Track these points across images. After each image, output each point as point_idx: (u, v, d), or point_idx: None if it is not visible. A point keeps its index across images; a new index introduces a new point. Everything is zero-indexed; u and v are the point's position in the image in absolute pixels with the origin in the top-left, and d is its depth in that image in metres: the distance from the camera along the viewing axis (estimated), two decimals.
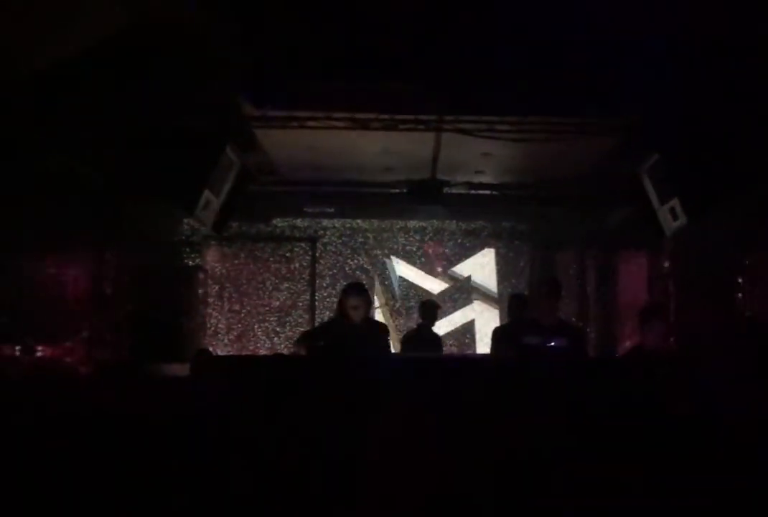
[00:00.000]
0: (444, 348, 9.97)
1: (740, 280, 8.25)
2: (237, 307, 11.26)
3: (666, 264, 9.56)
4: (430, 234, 11.56)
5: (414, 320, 11.31)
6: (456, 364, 4.66)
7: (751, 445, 3.76)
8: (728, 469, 3.59)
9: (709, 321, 8.05)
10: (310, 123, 7.12)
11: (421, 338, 8.64)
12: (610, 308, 10.96)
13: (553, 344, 6.52)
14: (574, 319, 11.22)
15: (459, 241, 11.65)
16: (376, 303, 11.20)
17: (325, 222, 11.33)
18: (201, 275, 10.72)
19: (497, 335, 7.99)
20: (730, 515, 3.56)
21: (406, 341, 8.86)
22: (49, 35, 5.08)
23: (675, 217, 7.47)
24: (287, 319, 11.33)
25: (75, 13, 5.03)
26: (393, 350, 8.97)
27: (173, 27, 5.64)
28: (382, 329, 6.63)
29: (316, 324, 10.71)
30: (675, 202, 7.37)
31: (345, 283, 9.95)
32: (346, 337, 6.13)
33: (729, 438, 3.81)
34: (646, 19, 5.62)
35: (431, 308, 8.97)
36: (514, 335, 6.40)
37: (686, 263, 8.96)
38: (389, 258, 11.56)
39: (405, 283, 11.56)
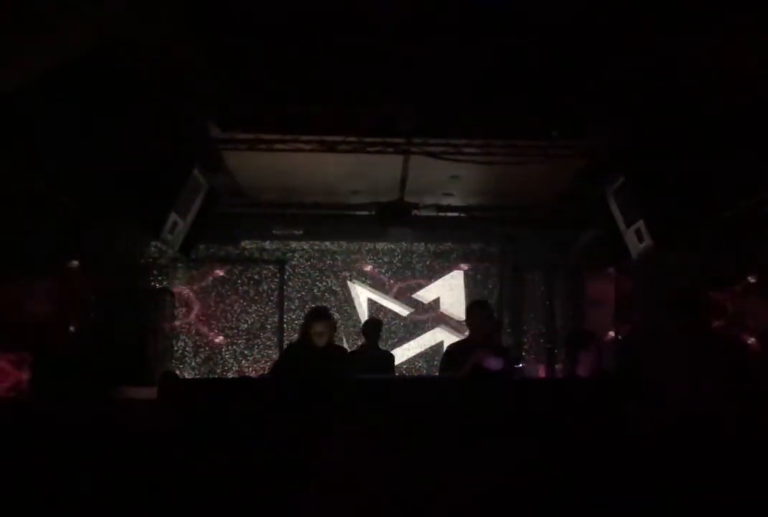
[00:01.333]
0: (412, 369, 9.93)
1: (705, 300, 8.33)
2: (204, 329, 11.17)
3: (632, 285, 9.64)
4: (399, 256, 11.56)
5: (384, 341, 11.32)
6: (407, 385, 4.66)
7: (711, 465, 3.77)
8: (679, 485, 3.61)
9: (675, 341, 8.11)
10: (278, 145, 7.12)
11: (370, 356, 8.35)
12: (579, 328, 10.99)
13: (521, 365, 6.53)
14: (542, 340, 11.27)
15: (428, 263, 11.66)
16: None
17: (294, 244, 11.29)
18: (168, 298, 10.63)
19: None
20: None
21: (352, 359, 8.46)
22: (10, 58, 5.04)
23: (641, 239, 7.55)
24: (255, 341, 11.25)
25: (37, 37, 5.00)
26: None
27: (139, 50, 5.63)
28: (340, 353, 6.61)
29: (285, 346, 10.67)
30: (640, 224, 7.45)
31: (313, 305, 9.98)
32: (309, 361, 6.12)
33: (683, 457, 3.83)
34: (610, 42, 5.69)
35: (374, 325, 8.70)
36: (462, 355, 6.34)
37: (652, 283, 9.03)
38: (358, 280, 11.53)
39: (374, 305, 11.53)
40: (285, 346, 10.63)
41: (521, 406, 3.66)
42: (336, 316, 11.24)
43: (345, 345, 10.66)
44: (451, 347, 6.63)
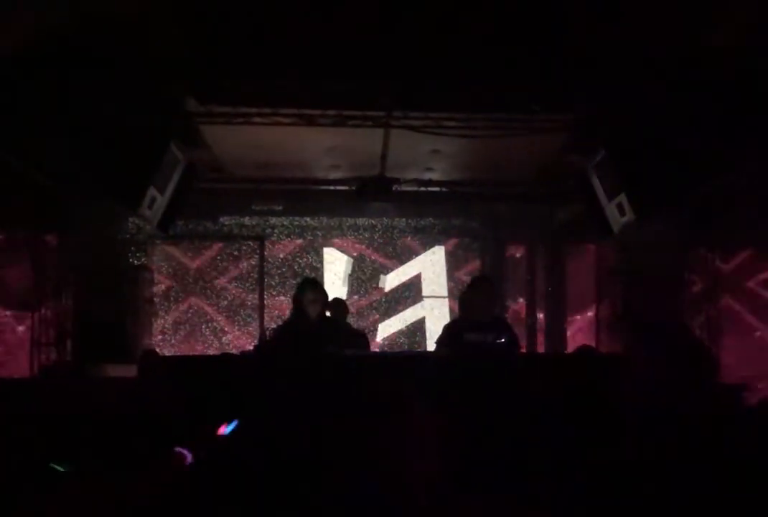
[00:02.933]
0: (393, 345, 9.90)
1: (686, 275, 8.37)
2: (184, 306, 11.10)
3: (614, 259, 9.65)
4: (380, 231, 11.50)
5: (365, 318, 11.32)
6: (402, 361, 4.64)
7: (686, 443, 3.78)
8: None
9: (655, 316, 8.14)
10: (256, 119, 7.02)
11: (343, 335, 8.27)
12: (559, 304, 11.03)
13: (502, 340, 6.54)
14: (523, 315, 11.29)
15: (409, 238, 11.62)
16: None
17: (274, 220, 11.20)
18: (147, 275, 10.55)
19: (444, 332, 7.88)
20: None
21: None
22: None
23: (622, 214, 7.53)
24: (236, 318, 11.21)
25: (11, 11, 4.91)
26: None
27: (115, 23, 5.53)
28: (338, 327, 6.58)
29: (265, 323, 10.64)
30: (622, 199, 7.42)
31: (294, 281, 9.93)
32: (303, 335, 6.11)
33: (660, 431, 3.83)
34: (594, 19, 5.64)
35: (338, 304, 8.48)
36: (455, 332, 6.38)
37: (633, 258, 9.06)
38: (338, 256, 11.48)
39: (356, 280, 11.50)
40: (266, 322, 10.61)
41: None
42: None
43: None
44: (452, 323, 6.60)
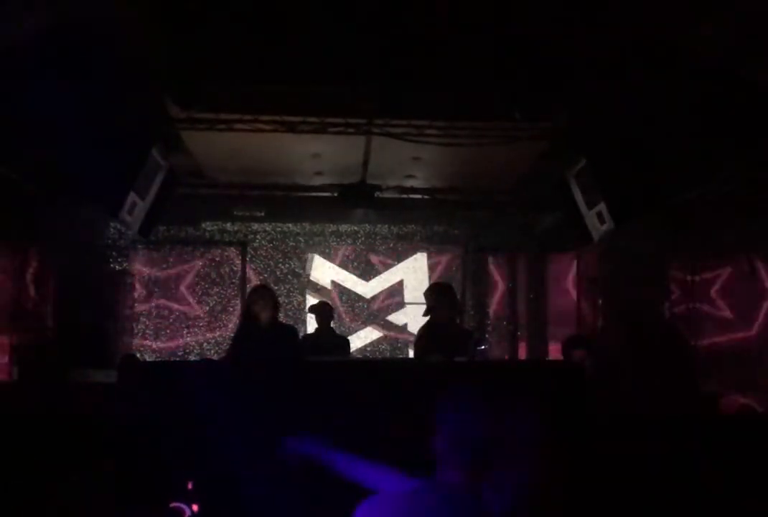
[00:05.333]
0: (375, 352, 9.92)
1: (665, 282, 8.41)
2: (165, 312, 11.07)
3: (594, 268, 9.71)
4: (362, 238, 11.52)
5: (346, 325, 11.31)
6: (361, 368, 4.64)
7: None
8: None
9: (635, 323, 8.17)
10: (237, 125, 7.05)
11: (324, 341, 8.16)
12: (540, 311, 11.08)
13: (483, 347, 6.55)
14: (505, 322, 11.33)
15: (391, 245, 11.65)
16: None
17: (256, 226, 11.21)
18: (128, 280, 10.53)
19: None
20: None
21: (304, 344, 8.05)
22: None
23: (602, 222, 7.58)
24: (217, 324, 11.18)
25: None
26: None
27: (97, 28, 5.53)
28: (289, 331, 6.57)
29: None
30: (602, 207, 7.48)
31: (276, 287, 9.93)
32: (254, 341, 6.11)
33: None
34: (573, 24, 5.68)
35: (324, 308, 8.56)
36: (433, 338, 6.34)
37: (613, 265, 9.10)
38: (320, 262, 11.49)
39: (337, 287, 11.51)
40: None
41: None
42: (298, 298, 11.25)
43: (308, 327, 10.65)
44: (422, 331, 6.56)
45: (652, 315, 8.08)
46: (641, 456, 3.67)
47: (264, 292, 6.38)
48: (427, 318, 6.09)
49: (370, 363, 7.59)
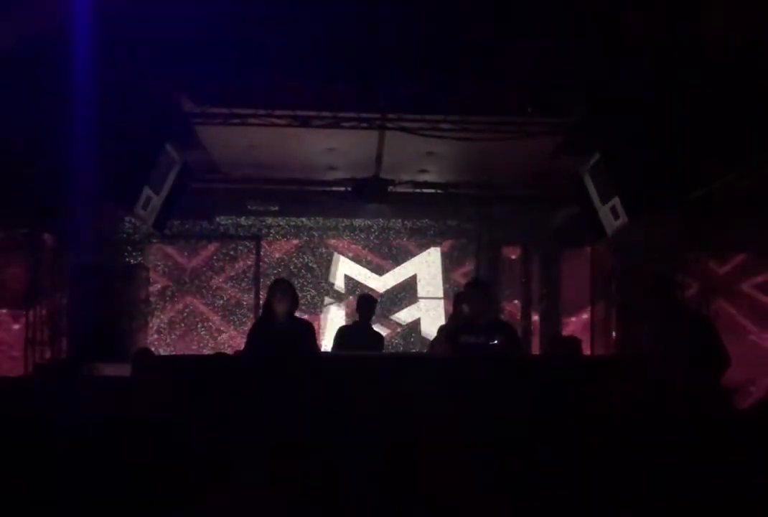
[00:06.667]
0: (388, 347, 9.88)
1: (680, 277, 8.38)
2: (180, 306, 11.11)
3: (608, 262, 9.67)
4: (376, 233, 11.51)
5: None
6: (393, 362, 4.65)
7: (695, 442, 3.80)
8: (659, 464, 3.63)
9: (651, 318, 8.15)
10: (251, 120, 7.06)
11: (358, 334, 8.08)
12: (553, 306, 11.04)
13: (494, 342, 6.57)
14: (519, 317, 11.30)
15: (405, 239, 11.63)
16: (326, 301, 11.22)
17: (270, 220, 11.21)
18: (143, 274, 10.56)
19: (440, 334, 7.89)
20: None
21: (340, 336, 8.13)
22: None
23: (616, 217, 7.56)
24: (231, 318, 11.21)
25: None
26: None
27: (111, 25, 5.56)
28: (306, 327, 6.57)
29: None
30: (616, 202, 7.45)
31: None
32: (271, 336, 6.13)
33: (669, 435, 3.85)
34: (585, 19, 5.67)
35: (367, 302, 8.42)
36: (452, 334, 6.41)
37: (628, 260, 9.07)
38: (334, 257, 11.50)
39: (351, 281, 11.51)
40: None
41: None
42: (312, 293, 11.26)
43: (322, 322, 10.67)
44: (446, 326, 6.63)
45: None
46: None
47: (283, 285, 6.42)
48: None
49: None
